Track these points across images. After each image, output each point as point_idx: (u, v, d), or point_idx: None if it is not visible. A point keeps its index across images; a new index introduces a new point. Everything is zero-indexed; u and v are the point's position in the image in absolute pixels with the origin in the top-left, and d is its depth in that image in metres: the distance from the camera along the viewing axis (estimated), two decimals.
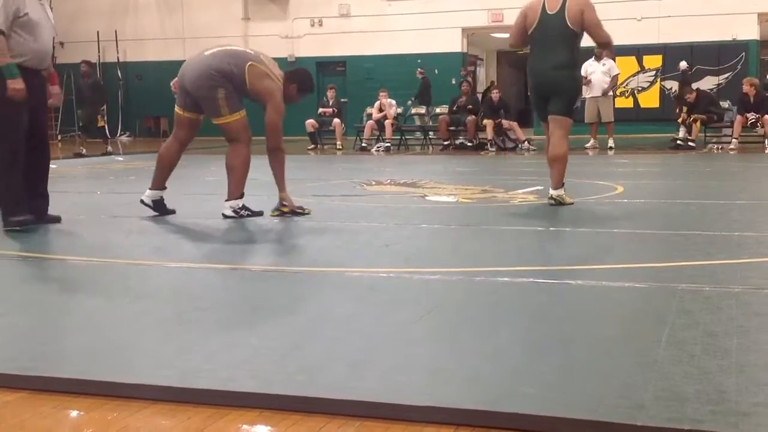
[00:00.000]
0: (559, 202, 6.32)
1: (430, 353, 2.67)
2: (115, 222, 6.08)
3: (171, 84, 6.20)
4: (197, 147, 17.94)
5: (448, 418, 2.12)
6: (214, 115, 6.02)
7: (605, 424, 2.03)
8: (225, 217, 6.00)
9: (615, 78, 14.70)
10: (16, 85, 5.27)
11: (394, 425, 2.10)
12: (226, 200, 6.07)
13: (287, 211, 6.09)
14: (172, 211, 6.19)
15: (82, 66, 16.16)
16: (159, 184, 6.19)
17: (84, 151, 15.40)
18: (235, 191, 6.08)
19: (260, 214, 6.11)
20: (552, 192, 6.39)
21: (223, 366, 2.52)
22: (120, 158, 14.52)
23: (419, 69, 18.39)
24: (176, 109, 6.21)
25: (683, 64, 16.59)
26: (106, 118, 16.57)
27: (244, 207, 6.07)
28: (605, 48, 7.00)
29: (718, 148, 14.21)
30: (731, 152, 13.44)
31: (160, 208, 6.16)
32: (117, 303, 3.49)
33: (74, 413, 2.27)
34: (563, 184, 6.42)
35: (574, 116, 6.70)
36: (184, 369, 2.49)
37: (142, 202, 6.16)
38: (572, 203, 6.37)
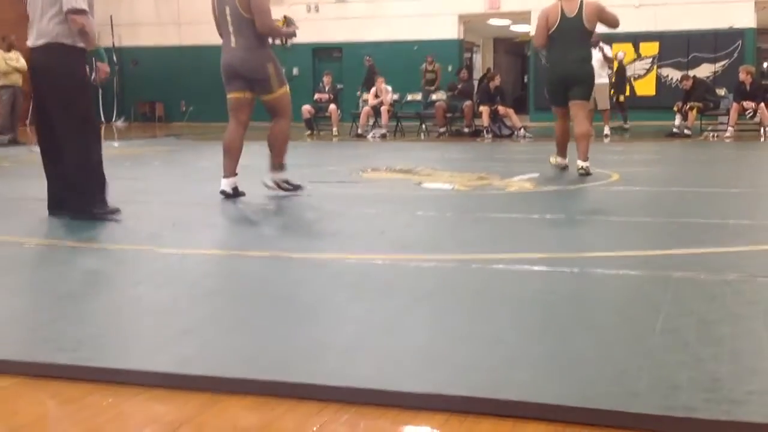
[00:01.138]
0: (587, 172, 7.42)
1: (424, 340, 2.67)
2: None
3: None
4: (189, 133, 17.96)
5: (441, 405, 2.12)
6: (265, 92, 6.17)
7: (599, 411, 2.03)
8: (267, 187, 6.27)
9: (610, 60, 14.57)
10: (106, 68, 5.31)
11: (388, 411, 2.10)
12: (270, 170, 6.32)
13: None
14: (243, 194, 6.25)
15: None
16: (232, 171, 6.25)
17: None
18: (278, 162, 6.30)
19: (300, 188, 6.35)
20: (581, 163, 7.51)
21: (218, 352, 2.52)
22: (115, 144, 14.47)
23: (366, 56, 18.11)
24: (233, 95, 6.24)
25: (621, 55, 16.61)
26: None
27: (286, 181, 6.36)
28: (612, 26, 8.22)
29: (714, 136, 14.22)
30: (727, 140, 13.45)
31: (237, 193, 6.23)
32: (111, 289, 3.49)
33: (69, 399, 2.27)
34: (588, 158, 7.53)
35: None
36: (179, 355, 2.49)
37: (223, 193, 6.17)
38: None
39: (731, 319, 2.79)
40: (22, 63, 13.91)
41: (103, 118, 22.88)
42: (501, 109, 15.25)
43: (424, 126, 16.94)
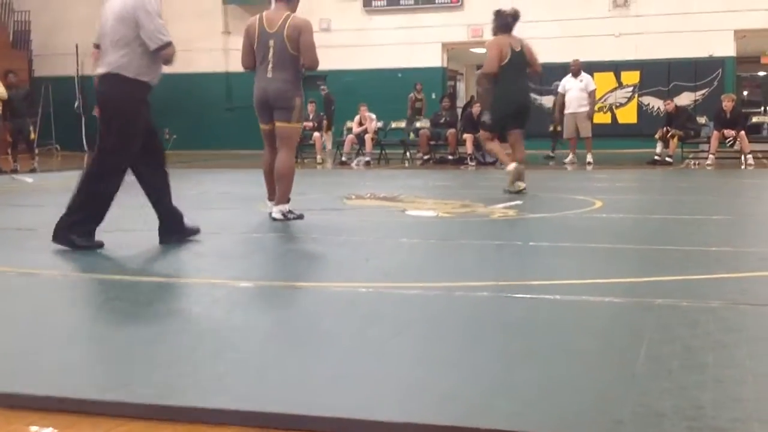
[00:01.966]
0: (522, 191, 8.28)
1: (408, 368, 2.66)
2: (96, 237, 6.02)
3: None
4: (173, 161, 17.92)
5: None
6: (284, 120, 6.44)
7: None
8: (273, 219, 6.38)
9: (593, 94, 14.79)
10: None
11: None
12: (275, 204, 6.49)
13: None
14: (301, 216, 6.48)
15: (9, 77, 14.82)
16: (274, 194, 6.59)
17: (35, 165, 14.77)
18: (284, 196, 6.48)
19: (302, 217, 6.48)
20: (521, 184, 8.39)
21: (200, 382, 2.50)
22: None
23: (322, 86, 17.97)
24: (265, 126, 6.60)
25: (557, 85, 16.85)
26: (37, 132, 16.03)
27: (290, 211, 6.48)
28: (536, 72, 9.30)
29: (695, 164, 14.34)
30: (708, 168, 13.56)
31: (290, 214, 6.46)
32: (94, 318, 3.46)
33: (48, 431, 2.24)
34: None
35: None
36: (161, 385, 2.46)
37: (274, 218, 6.40)
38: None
39: (714, 347, 2.80)
40: (2, 91, 13.83)
41: (86, 147, 22.85)
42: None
43: (408, 153, 16.99)
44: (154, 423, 2.24)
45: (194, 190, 10.33)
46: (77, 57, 23.18)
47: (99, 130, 5.28)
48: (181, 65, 25.09)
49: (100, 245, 5.16)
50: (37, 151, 17.03)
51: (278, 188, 6.48)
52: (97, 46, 5.33)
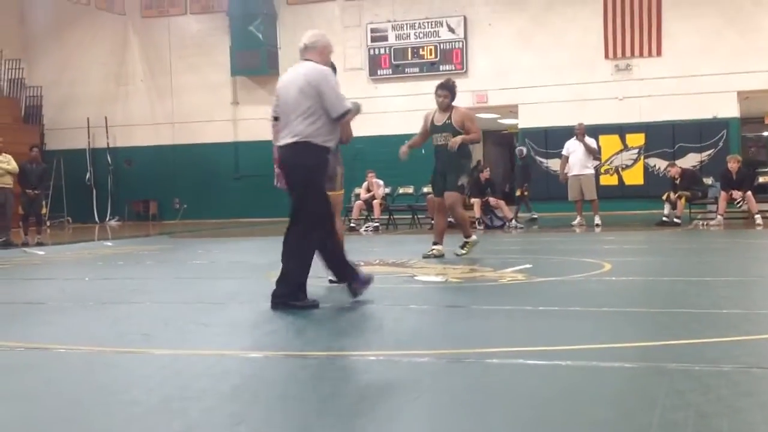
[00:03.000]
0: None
1: None
2: (103, 308, 6.04)
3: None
4: (182, 231, 18.03)
5: None
6: (328, 189, 6.19)
7: None
8: (331, 282, 6.40)
9: (594, 150, 14.82)
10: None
11: None
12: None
13: None
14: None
15: (33, 151, 15.30)
16: None
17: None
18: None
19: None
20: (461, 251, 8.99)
21: None
22: (109, 243, 14.50)
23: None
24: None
25: (520, 150, 17.39)
26: (49, 205, 16.17)
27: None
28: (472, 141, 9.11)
29: (703, 225, 14.33)
30: (716, 228, 13.55)
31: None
32: (103, 392, 3.45)
33: None
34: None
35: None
36: None
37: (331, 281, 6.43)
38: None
39: (729, 412, 2.77)
40: (13, 165, 14.00)
41: (96, 218, 23.01)
42: (492, 200, 15.40)
43: (416, 218, 17.06)
44: None
45: (203, 260, 10.37)
46: (88, 130, 23.55)
47: (294, 197, 5.62)
48: (191, 136, 25.52)
49: (316, 305, 5.48)
50: (48, 223, 17.21)
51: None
52: (276, 119, 5.72)
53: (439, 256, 8.68)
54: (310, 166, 5.53)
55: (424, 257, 8.70)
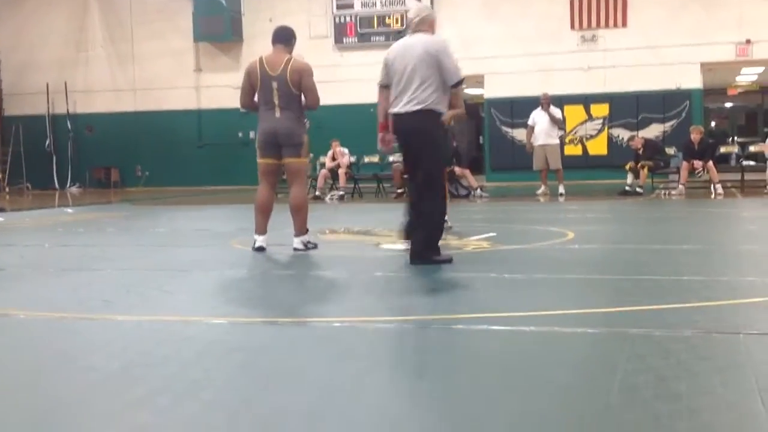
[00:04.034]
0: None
1: (384, 403, 2.64)
2: (63, 275, 5.97)
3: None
4: (144, 198, 17.85)
5: None
6: (293, 156, 6.80)
7: None
8: (296, 250, 6.67)
9: (559, 121, 14.88)
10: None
11: None
12: (296, 236, 6.78)
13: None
14: (316, 246, 6.89)
15: None
16: (264, 228, 6.82)
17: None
18: (303, 227, 6.82)
19: (317, 246, 6.89)
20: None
21: (172, 422, 2.47)
22: (69, 210, 14.31)
23: (305, 121, 17.99)
24: (267, 160, 6.87)
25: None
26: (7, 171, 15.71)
27: (309, 241, 6.84)
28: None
29: (665, 194, 14.50)
30: (678, 198, 13.72)
31: (310, 244, 6.85)
32: (64, 359, 3.41)
33: None
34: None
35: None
36: (132, 426, 2.43)
37: (258, 249, 6.69)
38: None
39: (687, 375, 2.81)
40: None
41: (57, 185, 22.68)
42: (457, 169, 15.40)
43: (381, 187, 17.05)
44: None
45: (166, 227, 10.28)
46: (48, 96, 23.09)
47: (410, 160, 6.04)
48: (153, 103, 25.18)
49: (451, 259, 5.88)
50: (7, 189, 16.90)
51: (296, 220, 6.80)
52: (385, 87, 6.08)
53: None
54: (432, 130, 5.89)
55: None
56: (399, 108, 5.92)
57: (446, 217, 6.26)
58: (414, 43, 5.94)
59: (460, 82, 6.01)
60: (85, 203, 16.71)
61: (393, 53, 6.05)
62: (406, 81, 5.88)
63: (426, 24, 6.03)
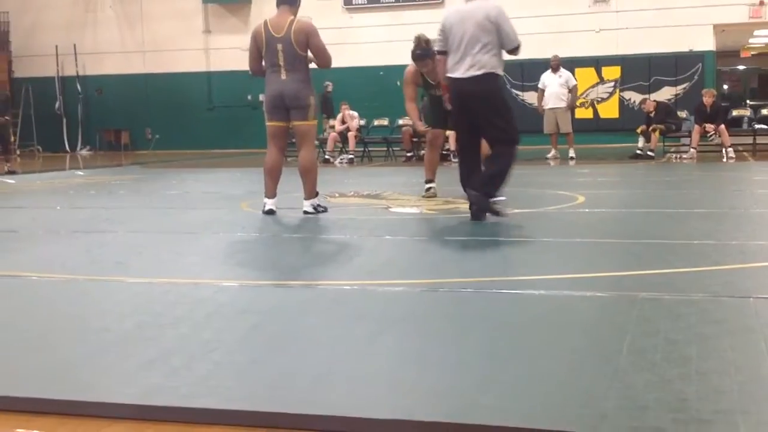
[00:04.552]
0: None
1: (393, 366, 2.66)
2: (75, 237, 6.00)
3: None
4: (155, 161, 17.87)
5: (411, 431, 2.12)
6: (301, 119, 6.75)
7: None
8: (306, 213, 6.70)
9: (575, 89, 14.86)
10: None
11: None
12: (306, 199, 6.78)
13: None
14: (326, 209, 6.93)
15: None
16: (274, 192, 6.84)
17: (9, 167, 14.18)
18: (313, 190, 6.82)
19: (326, 210, 6.90)
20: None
21: (184, 382, 2.49)
22: (80, 172, 14.34)
23: (327, 84, 17.84)
24: (276, 123, 6.83)
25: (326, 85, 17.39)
26: (17, 134, 15.58)
27: (319, 204, 6.86)
28: None
29: (676, 158, 14.43)
30: (689, 161, 13.65)
31: (320, 207, 6.89)
32: (76, 320, 3.44)
33: None
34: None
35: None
36: (145, 386, 2.46)
37: (268, 212, 6.72)
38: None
39: (697, 339, 2.82)
40: None
41: (67, 147, 22.71)
42: None
43: (391, 150, 17.01)
44: (140, 423, 2.24)
45: (176, 190, 10.31)
46: (57, 58, 23.04)
47: (464, 123, 6.34)
48: (162, 65, 25.05)
49: (507, 214, 6.12)
50: (18, 152, 16.90)
51: (305, 183, 6.79)
52: (442, 53, 6.29)
53: (436, 195, 8.02)
54: (497, 91, 6.33)
55: (424, 197, 7.99)
56: (461, 73, 6.13)
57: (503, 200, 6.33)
58: (472, 9, 6.14)
59: (517, 47, 6.22)
60: (96, 166, 16.75)
61: (450, 20, 6.21)
62: (466, 46, 6.09)
63: None
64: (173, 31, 22.53)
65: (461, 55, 6.12)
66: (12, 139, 15.34)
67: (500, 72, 6.22)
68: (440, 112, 8.00)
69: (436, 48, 6.42)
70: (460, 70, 6.14)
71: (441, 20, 6.32)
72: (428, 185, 8.14)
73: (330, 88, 17.71)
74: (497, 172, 6.13)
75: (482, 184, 6.07)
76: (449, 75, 6.24)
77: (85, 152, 22.66)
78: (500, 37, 6.11)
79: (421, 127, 8.56)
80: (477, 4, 6.17)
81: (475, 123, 6.25)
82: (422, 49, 7.89)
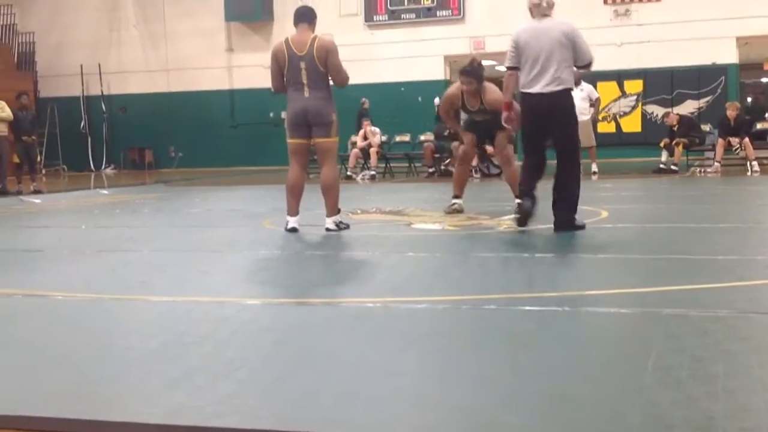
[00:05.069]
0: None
1: (416, 383, 2.66)
2: (100, 256, 6.05)
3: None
4: (178, 179, 17.99)
5: None
6: (323, 136, 6.79)
7: None
8: (328, 230, 6.73)
9: (597, 102, 14.80)
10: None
11: None
12: (328, 216, 6.82)
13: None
14: (348, 226, 6.94)
15: (22, 99, 14.74)
16: (296, 210, 6.86)
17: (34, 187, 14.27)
18: (335, 207, 6.85)
19: (349, 227, 6.91)
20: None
21: (208, 401, 2.50)
22: (105, 191, 14.47)
23: (364, 100, 18.00)
24: (298, 141, 6.87)
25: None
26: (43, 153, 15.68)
27: (341, 221, 6.89)
28: None
29: (700, 172, 14.32)
30: (714, 175, 13.54)
31: (342, 224, 6.90)
32: (100, 339, 3.47)
33: None
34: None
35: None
36: (169, 405, 2.47)
37: (292, 230, 6.74)
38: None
39: (723, 356, 2.79)
40: (7, 112, 13.84)
41: (92, 166, 22.93)
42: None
43: (413, 166, 17.02)
44: None
45: (199, 208, 10.37)
46: (82, 77, 23.32)
47: (537, 138, 6.50)
48: (186, 83, 25.23)
49: (584, 226, 6.35)
50: (44, 171, 17.08)
51: (327, 200, 6.82)
52: (514, 69, 6.41)
53: (460, 212, 7.94)
54: (572, 107, 6.54)
55: (446, 213, 7.96)
56: (539, 88, 6.27)
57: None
58: (548, 27, 6.32)
59: (590, 63, 6.46)
60: (120, 184, 16.89)
61: (524, 37, 6.34)
62: (543, 62, 6.25)
63: (552, 9, 6.41)
64: (196, 50, 22.74)
65: (539, 71, 6.27)
66: (38, 158, 15.51)
67: (572, 86, 6.45)
68: (475, 131, 8.14)
69: (507, 64, 6.49)
70: (539, 85, 6.28)
71: (513, 37, 6.42)
72: (454, 200, 8.12)
73: (367, 105, 17.85)
74: (576, 194, 6.41)
75: (569, 211, 6.35)
76: (524, 90, 6.36)
77: (109, 171, 22.87)
78: (575, 53, 6.31)
79: (459, 130, 8.55)
80: (551, 22, 6.35)
81: (543, 136, 6.49)
82: (471, 68, 7.88)
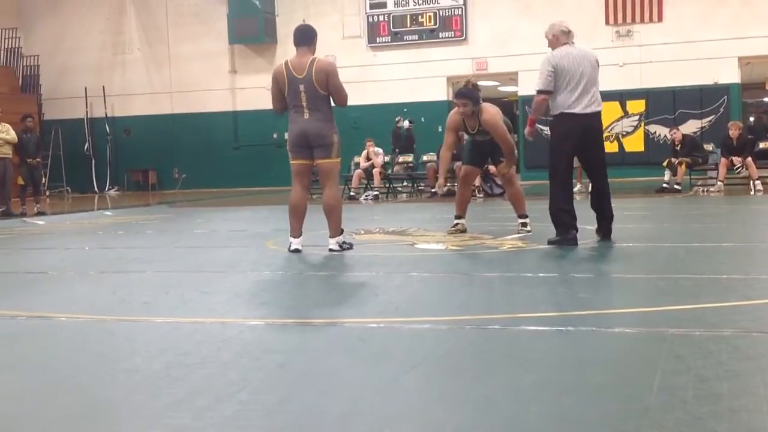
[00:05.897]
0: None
1: (419, 404, 2.65)
2: (103, 277, 6.05)
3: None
4: (182, 200, 18.02)
5: None
6: (324, 157, 6.84)
7: None
8: (331, 251, 6.74)
9: None
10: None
11: None
12: (331, 237, 6.83)
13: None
14: (351, 246, 6.97)
15: (27, 121, 14.71)
16: (299, 231, 6.89)
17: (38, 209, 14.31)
18: (338, 228, 6.87)
19: (352, 247, 6.94)
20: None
21: (211, 423, 2.49)
22: (108, 213, 14.50)
23: (408, 120, 18.45)
24: (300, 162, 6.93)
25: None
26: (47, 175, 15.73)
27: (344, 242, 6.89)
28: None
29: (703, 191, 14.32)
30: (717, 195, 13.54)
31: (345, 244, 6.91)
32: (104, 361, 3.46)
33: None
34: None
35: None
36: (172, 427, 2.46)
37: (295, 251, 6.77)
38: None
39: (728, 376, 2.78)
40: (12, 135, 13.88)
41: (96, 188, 22.98)
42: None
43: (415, 187, 17.04)
44: None
45: (203, 229, 10.37)
46: (86, 99, 23.43)
47: (575, 155, 6.92)
48: (189, 105, 25.38)
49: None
50: (47, 193, 17.08)
51: (330, 221, 6.84)
52: (547, 92, 6.69)
53: (463, 232, 7.93)
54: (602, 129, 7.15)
55: (449, 233, 7.93)
56: (581, 109, 6.67)
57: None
58: (584, 52, 6.81)
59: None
60: (124, 206, 16.92)
61: (563, 62, 6.67)
62: (586, 84, 6.68)
63: (572, 37, 6.88)
64: (200, 72, 22.85)
65: (581, 93, 6.65)
66: (42, 180, 15.53)
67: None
68: (478, 152, 8.19)
69: (542, 88, 6.71)
70: (580, 106, 6.66)
71: (552, 62, 6.66)
72: (457, 221, 8.11)
73: (400, 124, 18.10)
74: (612, 210, 6.99)
75: (610, 229, 6.95)
76: (568, 111, 6.64)
77: (113, 192, 22.92)
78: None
79: (441, 182, 8.74)
80: (584, 48, 6.88)
81: (581, 155, 6.92)
82: (466, 89, 7.73)
